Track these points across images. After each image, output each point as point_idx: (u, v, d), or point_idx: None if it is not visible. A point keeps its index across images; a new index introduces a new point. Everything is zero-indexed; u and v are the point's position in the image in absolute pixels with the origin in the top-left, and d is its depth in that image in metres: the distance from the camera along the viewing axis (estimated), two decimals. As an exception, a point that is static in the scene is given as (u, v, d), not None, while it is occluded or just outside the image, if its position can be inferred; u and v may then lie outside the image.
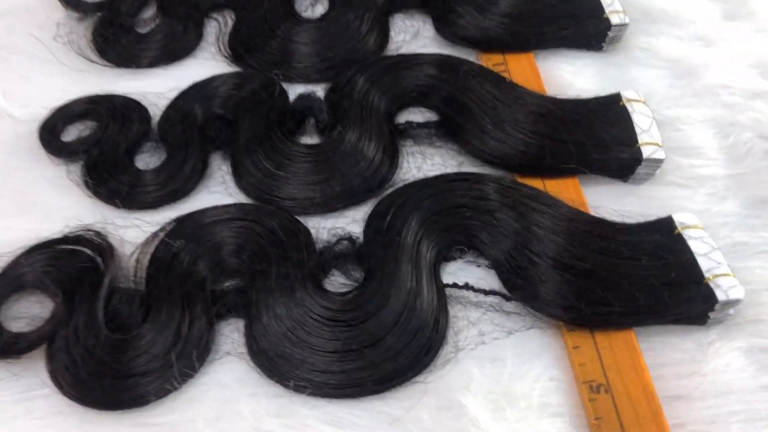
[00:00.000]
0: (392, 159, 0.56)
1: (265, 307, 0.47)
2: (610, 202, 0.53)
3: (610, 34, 0.62)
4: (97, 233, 0.50)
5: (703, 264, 0.47)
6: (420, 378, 0.45)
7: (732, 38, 0.64)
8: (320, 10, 0.68)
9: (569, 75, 0.61)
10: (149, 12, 0.66)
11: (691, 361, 0.45)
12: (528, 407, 0.43)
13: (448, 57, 0.61)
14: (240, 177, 0.55)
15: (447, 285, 0.49)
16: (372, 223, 0.51)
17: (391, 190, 0.54)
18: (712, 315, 0.46)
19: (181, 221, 0.51)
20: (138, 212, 0.53)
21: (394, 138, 0.57)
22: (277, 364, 0.45)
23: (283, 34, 0.64)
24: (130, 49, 0.63)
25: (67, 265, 0.47)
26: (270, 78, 0.60)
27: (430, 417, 0.43)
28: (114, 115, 0.57)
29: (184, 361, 0.45)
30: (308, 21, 0.66)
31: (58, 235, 0.50)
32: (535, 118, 0.56)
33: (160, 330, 0.46)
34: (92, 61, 0.62)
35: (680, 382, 0.45)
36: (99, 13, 0.64)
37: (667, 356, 0.46)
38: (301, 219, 0.52)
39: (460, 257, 0.51)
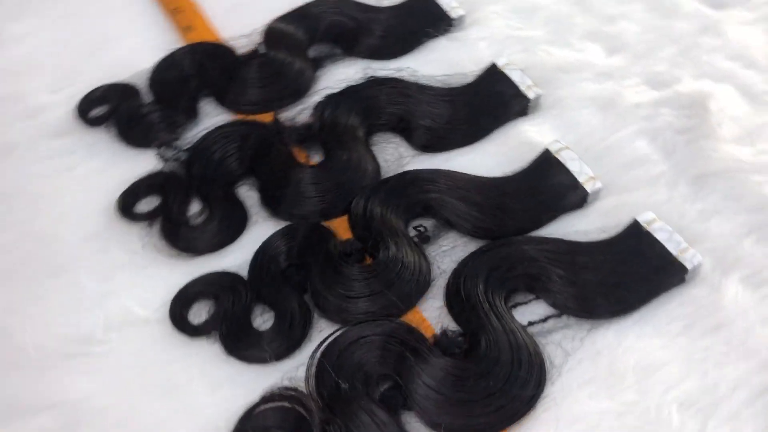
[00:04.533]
0: (425, 259, 0.71)
1: (421, 389, 0.62)
2: (581, 223, 0.73)
3: (589, 199, 0.75)
4: (293, 388, 0.62)
5: (670, 247, 0.68)
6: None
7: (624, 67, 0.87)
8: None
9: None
10: (195, 206, 0.78)
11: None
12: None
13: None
14: (322, 308, 0.68)
15: (531, 323, 0.66)
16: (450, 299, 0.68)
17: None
18: (686, 277, 0.67)
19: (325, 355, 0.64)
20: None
21: (418, 243, 0.72)
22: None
23: (295, 182, 0.77)
24: (195, 240, 0.75)
25: (286, 417, 0.61)
26: (313, 224, 0.73)
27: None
28: (224, 289, 0.70)
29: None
30: (313, 167, 0.79)
31: (265, 394, 0.62)
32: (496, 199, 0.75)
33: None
34: (176, 254, 0.74)
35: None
36: (158, 218, 0.76)
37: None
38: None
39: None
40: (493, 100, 0.83)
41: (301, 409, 0.61)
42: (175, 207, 0.77)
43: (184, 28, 0.95)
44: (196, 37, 0.94)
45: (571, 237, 0.71)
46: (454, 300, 0.68)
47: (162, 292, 0.70)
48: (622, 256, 0.69)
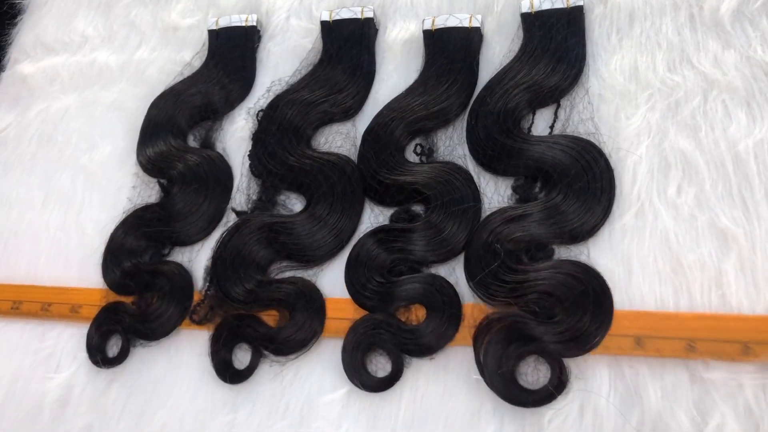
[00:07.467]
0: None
1: (536, 227, 0.75)
2: (496, 50, 0.88)
3: (483, 30, 0.94)
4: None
5: (558, 4, 0.83)
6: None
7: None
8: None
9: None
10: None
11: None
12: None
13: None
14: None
15: (551, 127, 0.81)
16: None
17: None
18: (584, 11, 0.83)
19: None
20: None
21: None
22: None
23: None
24: (292, 340, 0.79)
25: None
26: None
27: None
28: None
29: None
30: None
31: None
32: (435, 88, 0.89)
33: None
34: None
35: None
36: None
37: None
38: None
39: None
40: (351, 41, 0.93)
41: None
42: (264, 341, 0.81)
43: (71, 313, 0.90)
44: (92, 310, 0.89)
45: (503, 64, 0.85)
46: (487, 157, 0.80)
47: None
48: (542, 44, 0.83)
